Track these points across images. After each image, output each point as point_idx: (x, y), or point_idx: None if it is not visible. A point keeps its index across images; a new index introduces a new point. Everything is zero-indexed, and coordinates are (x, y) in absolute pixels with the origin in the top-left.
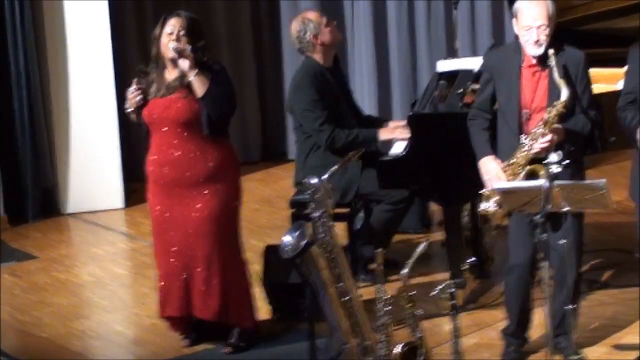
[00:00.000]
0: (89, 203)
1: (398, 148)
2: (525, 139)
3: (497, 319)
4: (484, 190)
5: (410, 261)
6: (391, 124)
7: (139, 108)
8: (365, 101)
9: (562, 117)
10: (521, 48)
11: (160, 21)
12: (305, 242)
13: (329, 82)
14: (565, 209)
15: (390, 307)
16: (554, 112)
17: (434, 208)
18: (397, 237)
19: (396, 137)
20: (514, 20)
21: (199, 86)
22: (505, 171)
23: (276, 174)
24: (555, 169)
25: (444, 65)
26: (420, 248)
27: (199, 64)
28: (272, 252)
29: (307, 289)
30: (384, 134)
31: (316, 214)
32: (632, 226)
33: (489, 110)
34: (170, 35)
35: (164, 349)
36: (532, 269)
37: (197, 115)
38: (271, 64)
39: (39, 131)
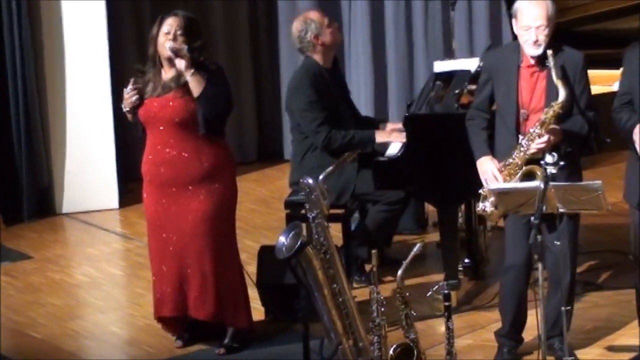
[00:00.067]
0: (84, 203)
1: (394, 149)
2: (523, 139)
3: (491, 321)
4: (481, 190)
5: (405, 262)
6: (389, 126)
7: (135, 108)
8: (362, 101)
9: (560, 118)
10: (520, 48)
11: (158, 21)
12: (300, 242)
13: (328, 82)
14: (561, 211)
15: (384, 308)
16: (550, 112)
17: (430, 209)
18: (393, 238)
19: (392, 141)
20: (513, 20)
21: (195, 86)
22: (502, 171)
23: (272, 175)
24: (551, 170)
25: (441, 66)
26: (415, 249)
27: (195, 64)
28: (266, 253)
29: (302, 289)
30: (380, 137)
31: (311, 215)
32: (627, 228)
33: (487, 110)
34: (167, 34)
35: (158, 349)
36: (528, 270)
37: (193, 114)
38: (268, 64)
39: (34, 131)
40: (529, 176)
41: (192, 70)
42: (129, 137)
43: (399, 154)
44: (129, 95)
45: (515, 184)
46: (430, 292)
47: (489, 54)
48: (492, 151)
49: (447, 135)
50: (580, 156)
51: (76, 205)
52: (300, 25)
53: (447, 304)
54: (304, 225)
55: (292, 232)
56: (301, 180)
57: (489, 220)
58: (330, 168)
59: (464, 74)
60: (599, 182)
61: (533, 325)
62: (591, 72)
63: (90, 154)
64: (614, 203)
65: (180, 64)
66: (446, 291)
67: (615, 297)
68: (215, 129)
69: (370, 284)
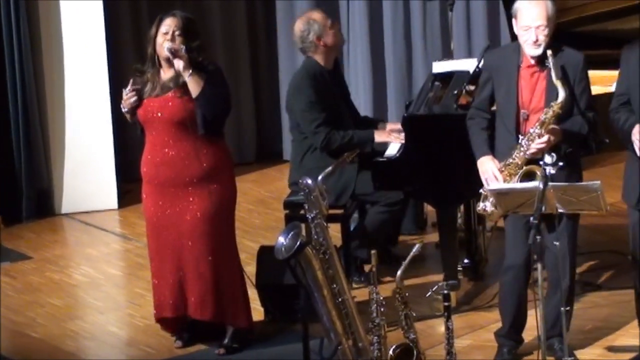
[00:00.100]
0: (83, 203)
1: (393, 149)
2: (523, 139)
3: (491, 321)
4: (482, 189)
5: (404, 262)
6: (388, 126)
7: (134, 108)
8: (360, 102)
9: (559, 118)
10: (520, 48)
11: (156, 21)
12: (299, 243)
13: (329, 83)
14: (560, 211)
15: (383, 309)
16: (550, 113)
17: (429, 209)
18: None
19: (391, 141)
20: (513, 20)
21: (194, 86)
22: (502, 171)
23: (271, 175)
24: (550, 170)
25: (439, 67)
26: (414, 250)
27: (194, 64)
28: (266, 253)
29: (301, 290)
30: (379, 137)
31: (310, 215)
32: (626, 228)
33: (487, 110)
34: (165, 35)
35: (157, 349)
36: (527, 271)
37: (192, 115)
38: (266, 64)
39: (33, 131)
40: (528, 176)
41: (190, 71)
42: (127, 137)
43: (397, 155)
44: (128, 96)
45: (514, 184)
46: (429, 293)
47: (490, 53)
48: (492, 151)
49: (446, 136)
50: (580, 157)
51: (75, 205)
52: (303, 26)
53: (446, 304)
54: (303, 225)
55: (292, 233)
56: (300, 181)
57: (490, 220)
58: (330, 168)
59: (462, 74)
60: (597, 182)
61: (533, 326)
62: (591, 73)
63: (89, 155)
64: (612, 203)
65: (179, 64)
66: (446, 291)
67: (614, 298)
68: (214, 129)
69: (369, 284)
